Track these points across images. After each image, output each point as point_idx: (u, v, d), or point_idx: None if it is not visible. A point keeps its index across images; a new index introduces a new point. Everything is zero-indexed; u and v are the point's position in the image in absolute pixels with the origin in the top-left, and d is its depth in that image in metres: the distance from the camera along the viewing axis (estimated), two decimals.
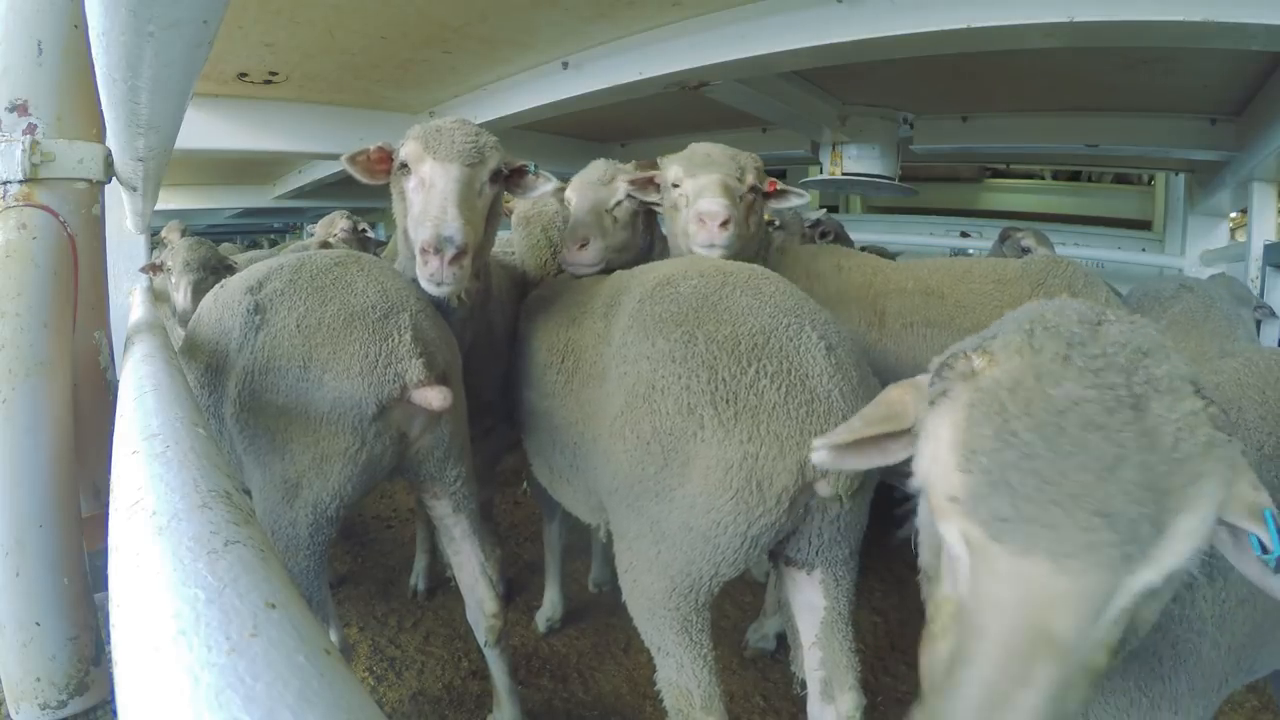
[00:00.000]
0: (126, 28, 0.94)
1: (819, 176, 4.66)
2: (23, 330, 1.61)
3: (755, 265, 1.73)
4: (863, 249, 4.31)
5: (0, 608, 1.58)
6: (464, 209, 1.74)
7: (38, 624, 1.60)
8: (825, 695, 1.50)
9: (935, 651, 0.80)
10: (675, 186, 2.17)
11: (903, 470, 0.88)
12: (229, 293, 1.82)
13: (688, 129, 5.11)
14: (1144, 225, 5.65)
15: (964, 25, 2.25)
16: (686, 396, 1.40)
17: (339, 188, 5.75)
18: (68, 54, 1.75)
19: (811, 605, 1.51)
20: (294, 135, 4.06)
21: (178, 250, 3.21)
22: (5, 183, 1.69)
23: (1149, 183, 5.77)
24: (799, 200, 2.30)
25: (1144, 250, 5.34)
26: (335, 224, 4.36)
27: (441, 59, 3.37)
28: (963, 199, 6.66)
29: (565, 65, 3.33)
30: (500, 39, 3.12)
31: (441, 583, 2.93)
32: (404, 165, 1.84)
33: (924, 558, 0.98)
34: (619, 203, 2.33)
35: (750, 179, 2.15)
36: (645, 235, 2.45)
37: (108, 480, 0.96)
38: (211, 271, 3.12)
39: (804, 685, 1.56)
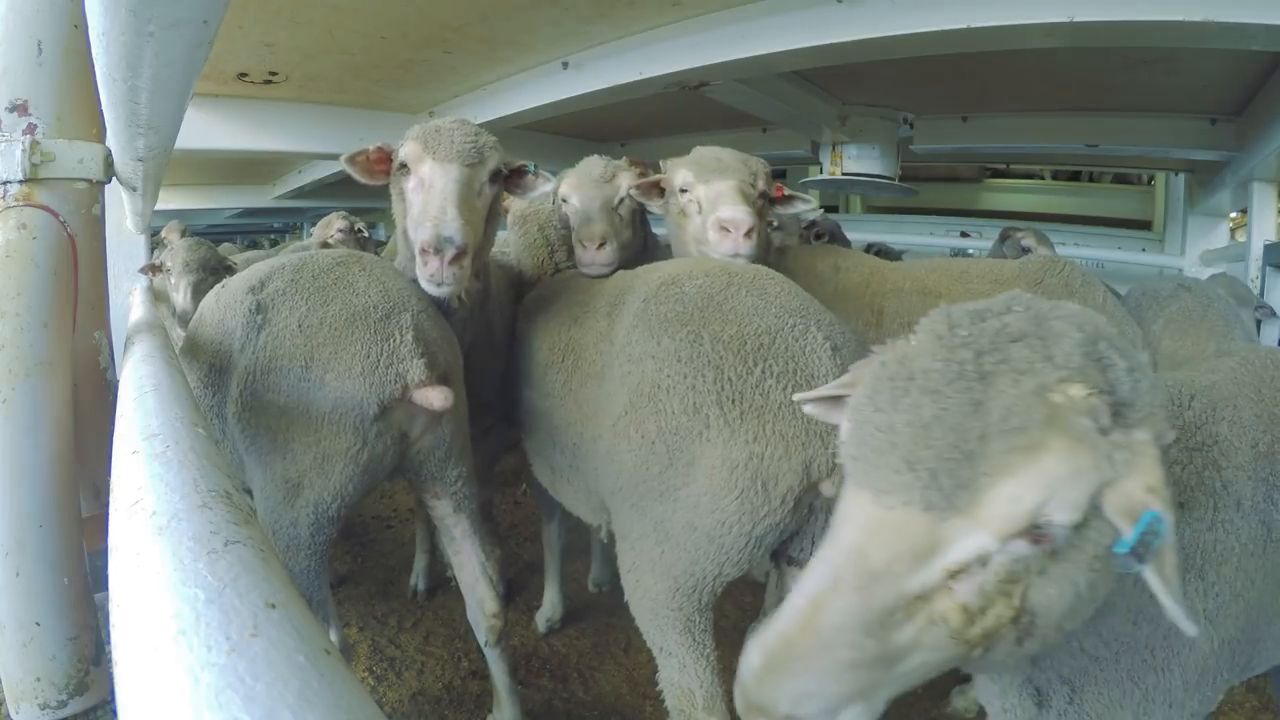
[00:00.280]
0: (126, 28, 0.93)
1: (819, 176, 4.66)
2: (23, 330, 1.61)
3: (760, 266, 1.72)
4: (869, 248, 4.34)
5: (0, 608, 1.58)
6: (463, 209, 1.73)
7: (38, 624, 1.60)
8: None
9: None
10: (684, 191, 2.11)
11: None
12: (230, 293, 1.82)
13: (688, 129, 5.11)
14: (1144, 225, 5.65)
15: (964, 25, 2.25)
16: (692, 396, 1.40)
17: (339, 188, 5.75)
18: (68, 54, 1.75)
19: None
20: (294, 135, 4.06)
21: (177, 251, 3.21)
22: (5, 183, 1.69)
23: (1149, 183, 5.77)
24: (805, 206, 2.27)
25: (1144, 250, 5.34)
26: (332, 225, 4.37)
27: (441, 59, 3.37)
28: (963, 199, 6.66)
29: (565, 65, 3.33)
30: (500, 39, 3.12)
31: (441, 583, 2.93)
32: (403, 166, 1.84)
33: None
34: (622, 200, 2.30)
35: (761, 184, 2.11)
36: (641, 233, 2.43)
37: (108, 480, 0.96)
38: (211, 272, 3.12)
39: None
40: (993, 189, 6.65)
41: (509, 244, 2.58)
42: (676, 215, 2.17)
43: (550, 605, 2.70)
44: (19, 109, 1.72)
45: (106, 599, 0.92)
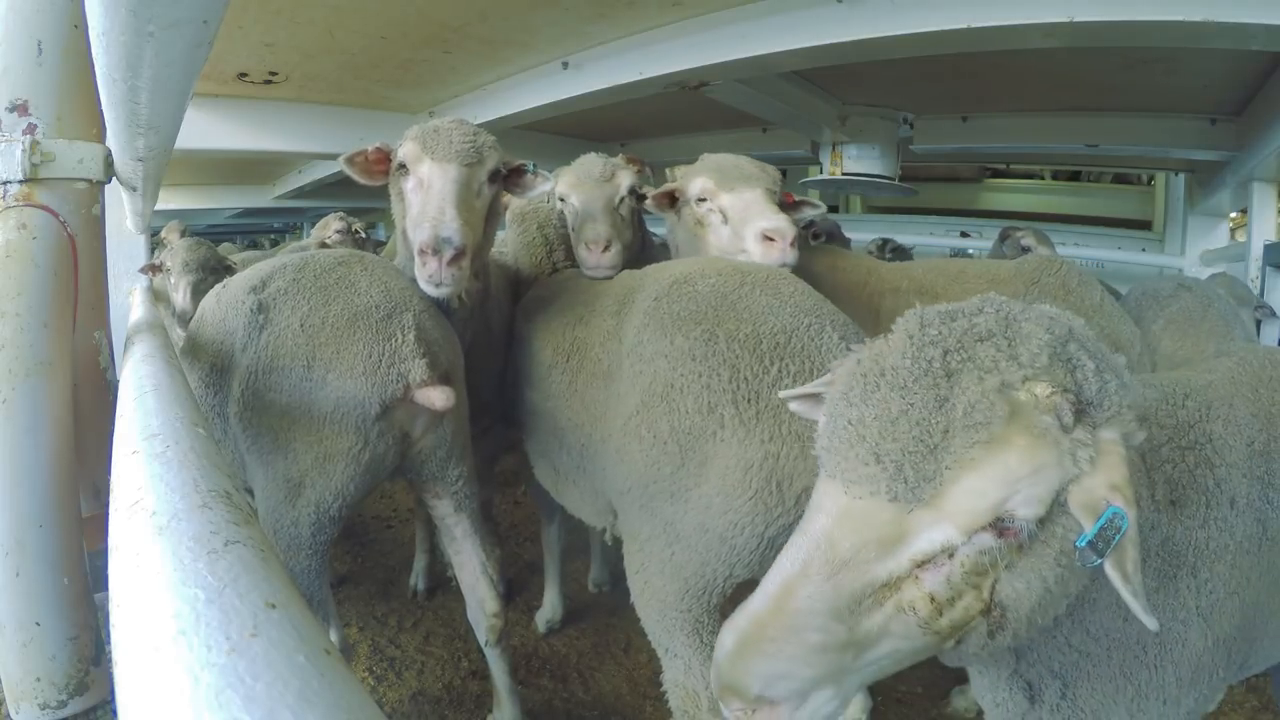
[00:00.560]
0: (126, 28, 0.93)
1: (819, 176, 4.66)
2: (23, 330, 1.61)
3: (770, 265, 1.72)
4: (884, 244, 4.35)
5: (0, 608, 1.58)
6: (462, 210, 1.73)
7: (38, 624, 1.60)
8: None
9: None
10: (701, 200, 2.07)
11: None
12: (231, 292, 1.82)
13: (688, 129, 5.12)
14: (1144, 225, 5.65)
15: (964, 25, 2.25)
16: (707, 395, 1.39)
17: (339, 188, 5.75)
18: (68, 54, 1.74)
19: None
20: (294, 135, 4.06)
21: (177, 251, 3.21)
22: (5, 183, 1.69)
23: (1149, 183, 5.77)
24: (814, 211, 2.28)
25: (1144, 250, 5.35)
26: (330, 226, 4.38)
27: (441, 59, 3.37)
28: (963, 199, 6.66)
29: (565, 65, 3.33)
30: (500, 39, 3.12)
31: (441, 583, 2.93)
32: (402, 166, 1.84)
33: None
34: (623, 199, 2.27)
35: (778, 191, 2.09)
36: (639, 233, 2.42)
37: (108, 480, 0.96)
38: (210, 272, 3.12)
39: None
40: (993, 189, 6.65)
41: (506, 242, 2.57)
42: (692, 225, 2.13)
43: (550, 607, 2.69)
44: (19, 109, 1.72)
45: (106, 599, 0.92)
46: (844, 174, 4.37)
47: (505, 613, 1.99)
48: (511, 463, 3.06)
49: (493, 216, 1.95)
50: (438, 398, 1.63)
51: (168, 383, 1.24)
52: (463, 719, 2.23)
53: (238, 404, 1.64)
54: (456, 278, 1.72)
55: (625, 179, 2.29)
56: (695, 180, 2.10)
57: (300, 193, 6.54)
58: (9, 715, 1.64)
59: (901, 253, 4.41)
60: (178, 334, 2.86)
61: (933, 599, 0.81)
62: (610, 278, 2.08)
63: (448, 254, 1.68)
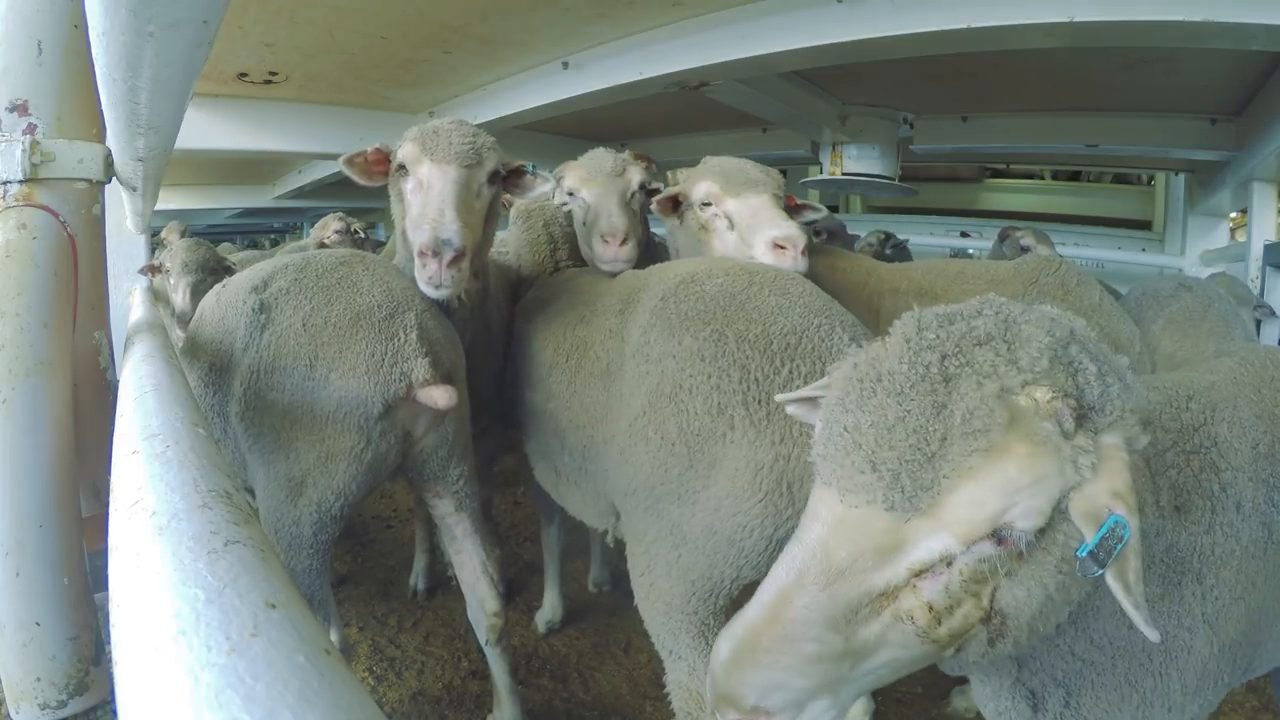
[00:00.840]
0: (126, 28, 0.93)
1: (819, 176, 4.66)
2: (23, 330, 1.61)
3: (779, 265, 1.71)
4: (886, 239, 4.34)
5: (0, 608, 1.58)
6: (461, 211, 1.73)
7: (38, 624, 1.60)
8: None
9: None
10: (706, 205, 2.06)
11: None
12: (232, 292, 1.82)
13: (688, 129, 5.12)
14: (1144, 225, 5.65)
15: (964, 25, 2.25)
16: (716, 396, 1.38)
17: (339, 188, 5.75)
18: (68, 54, 1.74)
19: None
20: (294, 135, 4.06)
21: (176, 251, 3.21)
22: (5, 183, 1.69)
23: (1149, 183, 5.77)
24: (815, 215, 2.28)
25: (1144, 250, 5.35)
26: (329, 226, 4.38)
27: (441, 59, 3.37)
28: (963, 199, 6.67)
29: (565, 65, 3.33)
30: (500, 39, 3.12)
31: (441, 583, 2.93)
32: (401, 167, 1.83)
33: None
34: (634, 194, 2.25)
35: (782, 196, 2.08)
36: (647, 230, 2.42)
37: (108, 480, 0.96)
38: (210, 273, 3.12)
39: None
40: (993, 189, 6.65)
41: (509, 241, 2.57)
42: (696, 230, 2.11)
43: (550, 607, 2.69)
44: (19, 109, 1.72)
45: (106, 599, 0.92)
46: (844, 174, 4.37)
47: (505, 612, 1.99)
48: (511, 463, 3.06)
49: (492, 217, 1.95)
50: (440, 397, 1.63)
51: (168, 383, 1.24)
52: (463, 719, 2.23)
53: (239, 403, 1.64)
54: (456, 279, 1.72)
55: (636, 174, 2.27)
56: (700, 184, 2.08)
57: (300, 193, 6.54)
58: (9, 715, 1.64)
59: (901, 250, 4.40)
60: (178, 334, 2.86)
61: (931, 608, 0.80)
62: (624, 272, 2.07)
63: (447, 255, 1.68)
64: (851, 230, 4.57)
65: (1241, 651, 1.13)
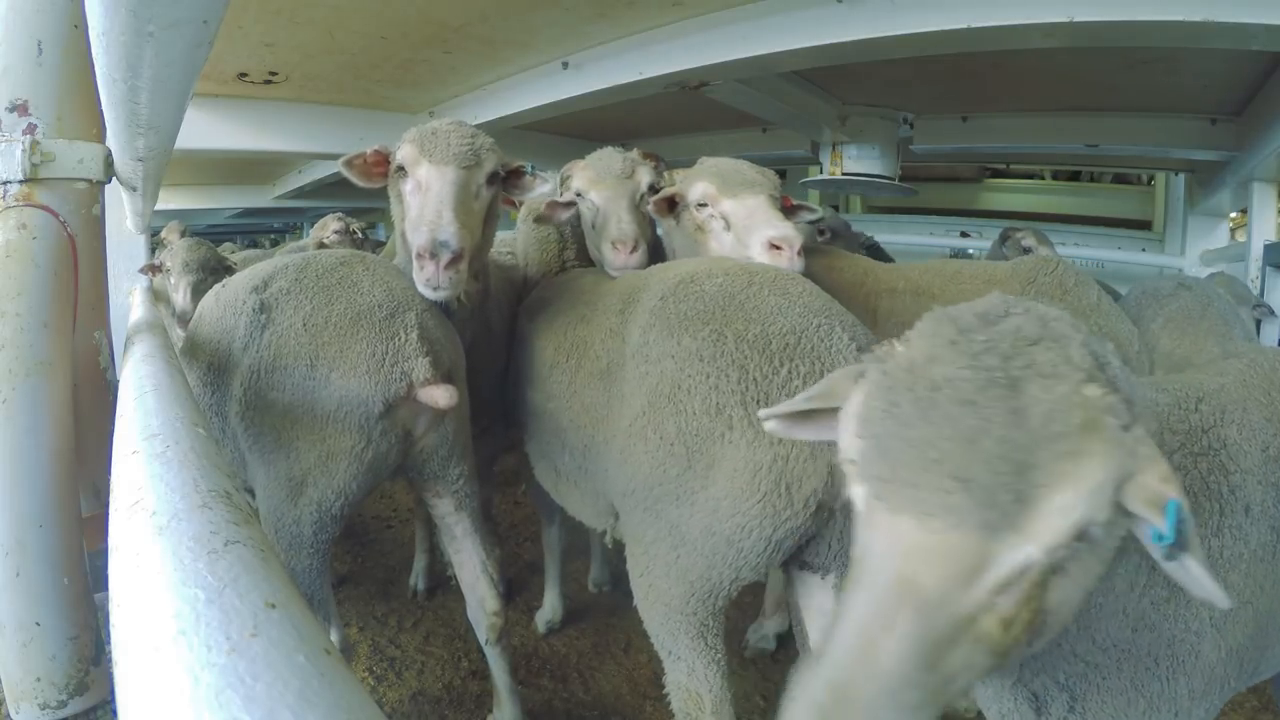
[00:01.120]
0: (126, 28, 0.93)
1: (819, 176, 4.66)
2: (23, 330, 1.61)
3: (775, 265, 1.71)
4: (870, 248, 4.33)
5: (0, 608, 1.58)
6: (460, 212, 1.73)
7: (38, 624, 1.60)
8: None
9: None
10: (702, 205, 2.06)
11: None
12: (232, 292, 1.82)
13: (688, 129, 5.12)
14: (1144, 225, 5.65)
15: (964, 25, 2.25)
16: (715, 396, 1.37)
17: (339, 188, 5.75)
18: (68, 54, 1.74)
19: (823, 610, 1.49)
20: (294, 135, 4.06)
21: (176, 251, 3.21)
22: (5, 183, 1.69)
23: (1149, 183, 5.77)
24: (811, 215, 2.26)
25: (1144, 250, 5.35)
26: (328, 226, 4.38)
27: (441, 59, 3.37)
28: (963, 199, 6.66)
29: (565, 65, 3.33)
30: (500, 39, 3.12)
31: (441, 583, 2.93)
32: (400, 168, 1.83)
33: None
34: (643, 196, 2.23)
35: (779, 197, 2.08)
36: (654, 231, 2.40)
37: (108, 480, 0.96)
38: (210, 272, 3.12)
39: None
40: (993, 189, 6.65)
41: (514, 241, 2.56)
42: (692, 231, 2.11)
43: (550, 608, 2.69)
44: (19, 109, 1.72)
45: (106, 599, 0.92)
46: (844, 174, 4.37)
47: (505, 612, 1.99)
48: (511, 463, 3.06)
49: (491, 218, 1.95)
50: (441, 396, 1.63)
51: (168, 383, 1.24)
52: (463, 719, 2.23)
53: (239, 403, 1.64)
54: (454, 281, 1.72)
55: (645, 175, 2.25)
56: (696, 185, 2.08)
57: (300, 193, 6.54)
58: (9, 715, 1.64)
59: (880, 256, 4.31)
60: (178, 334, 2.86)
61: (1004, 622, 0.76)
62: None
63: (445, 257, 1.67)
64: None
65: (1248, 656, 1.12)
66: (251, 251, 5.84)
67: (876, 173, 4.34)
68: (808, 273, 2.32)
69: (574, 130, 4.99)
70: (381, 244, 4.57)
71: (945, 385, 0.76)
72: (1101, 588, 0.93)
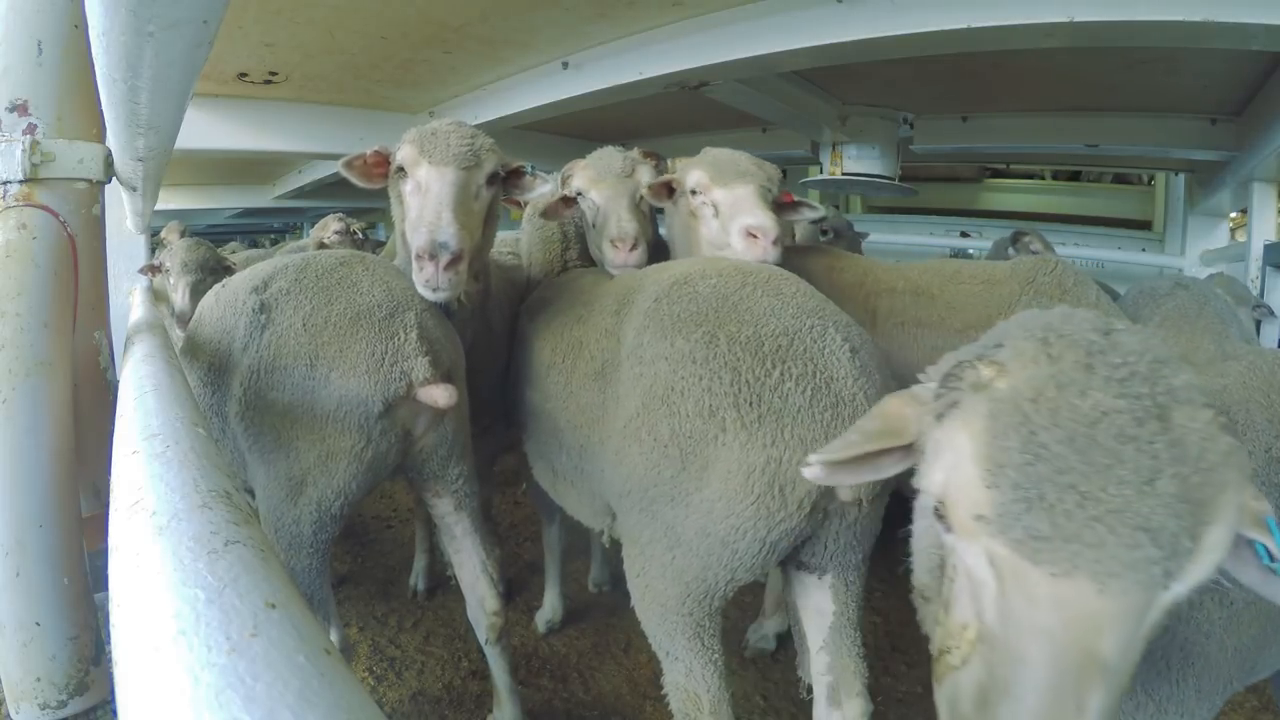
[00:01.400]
0: (126, 28, 0.93)
1: (819, 176, 4.66)
2: (23, 330, 1.61)
3: (772, 266, 1.71)
4: (826, 234, 4.25)
5: (0, 608, 1.58)
6: (459, 213, 1.73)
7: (38, 624, 1.60)
8: (832, 700, 1.49)
9: (960, 684, 0.75)
10: (695, 193, 2.08)
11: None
12: (232, 292, 1.82)
13: (688, 129, 5.12)
14: (1144, 225, 5.65)
15: (964, 25, 2.25)
16: (708, 399, 1.37)
17: (339, 188, 5.74)
18: (68, 54, 1.74)
19: (820, 610, 1.50)
20: (294, 135, 4.06)
21: (176, 251, 3.21)
22: (5, 183, 1.69)
23: (1149, 183, 5.77)
24: (812, 213, 2.27)
25: (1144, 250, 5.35)
26: (328, 227, 4.39)
27: (441, 59, 3.37)
28: (963, 199, 6.66)
29: (565, 65, 3.33)
30: (500, 39, 3.12)
31: (441, 583, 2.93)
32: (400, 169, 1.83)
33: (920, 577, 0.93)
34: (643, 196, 2.24)
35: (775, 190, 2.10)
36: (655, 229, 2.40)
37: (108, 480, 0.96)
38: (210, 272, 3.13)
39: (810, 690, 1.55)
40: (993, 189, 6.65)
41: (516, 241, 2.56)
42: (686, 217, 2.14)
43: (550, 608, 2.69)
44: (19, 109, 1.72)
45: (106, 599, 0.92)
46: (844, 174, 4.37)
47: (505, 612, 1.99)
48: (511, 463, 3.06)
49: (491, 219, 1.95)
50: (440, 395, 1.64)
51: (168, 383, 1.24)
52: (463, 719, 2.23)
53: (239, 403, 1.64)
54: (453, 282, 1.72)
55: (645, 174, 2.26)
56: (692, 172, 2.11)
57: (300, 193, 6.54)
58: (9, 715, 1.64)
59: (846, 237, 4.12)
60: (178, 334, 2.86)
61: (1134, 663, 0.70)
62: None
63: (444, 259, 1.68)
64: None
65: (1250, 655, 1.12)
66: (253, 251, 5.85)
67: (876, 173, 4.34)
68: (808, 272, 2.33)
69: (574, 130, 4.99)
70: (381, 244, 4.58)
71: (1101, 419, 0.66)
72: None
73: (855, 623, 1.49)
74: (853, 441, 0.84)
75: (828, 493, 1.33)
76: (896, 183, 4.45)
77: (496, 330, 2.21)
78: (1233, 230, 4.95)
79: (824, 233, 3.82)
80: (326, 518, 1.66)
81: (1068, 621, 0.64)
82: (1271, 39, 2.04)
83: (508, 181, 1.95)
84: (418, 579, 2.94)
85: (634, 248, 2.12)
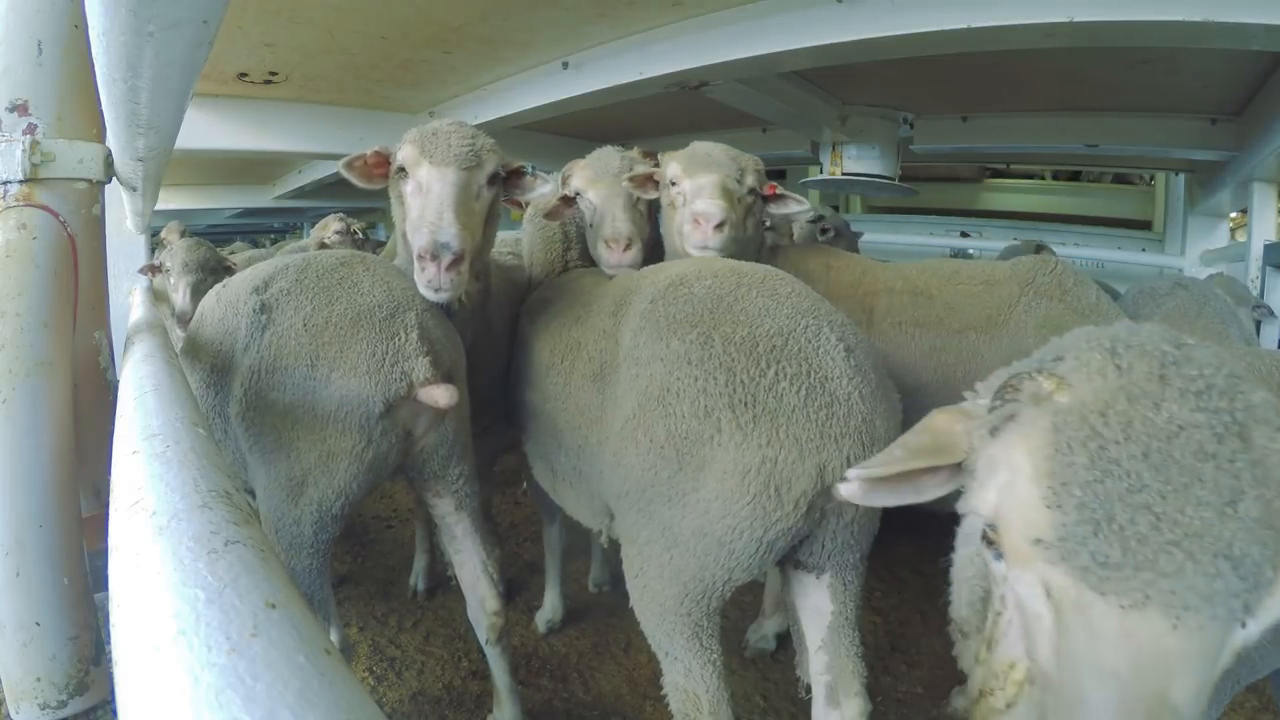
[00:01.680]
0: (126, 28, 0.93)
1: (819, 176, 4.66)
2: (23, 330, 1.61)
3: (768, 266, 1.71)
4: (824, 229, 4.25)
5: (0, 608, 1.58)
6: (460, 214, 1.73)
7: (38, 624, 1.60)
8: (830, 700, 1.49)
9: None
10: (673, 184, 2.13)
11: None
12: (232, 292, 1.82)
13: (688, 129, 5.11)
14: (1144, 225, 5.66)
15: (964, 25, 2.25)
16: (703, 399, 1.38)
17: (339, 188, 5.74)
18: (68, 54, 1.75)
19: (819, 609, 1.50)
20: (294, 135, 4.06)
21: (176, 251, 3.21)
22: (5, 183, 1.69)
23: (1149, 183, 5.77)
24: (799, 207, 2.26)
25: (1144, 250, 5.35)
26: (329, 227, 4.40)
27: (441, 59, 3.37)
28: (963, 199, 6.66)
29: (565, 65, 3.33)
30: (500, 39, 3.12)
31: (441, 583, 2.93)
32: (401, 169, 1.83)
33: (960, 610, 0.86)
34: (638, 196, 2.26)
35: (750, 181, 2.13)
36: (654, 228, 2.41)
37: (108, 480, 0.96)
38: (210, 272, 3.13)
39: (808, 689, 1.55)
40: (993, 189, 6.65)
41: (517, 241, 2.56)
42: (667, 208, 2.19)
43: (550, 608, 2.69)
44: (19, 109, 1.72)
45: (106, 599, 0.92)
46: (844, 174, 4.37)
47: (505, 612, 1.99)
48: (511, 463, 3.06)
49: (492, 219, 1.95)
50: (441, 396, 1.64)
51: (168, 383, 1.24)
52: (463, 719, 2.23)
53: (239, 404, 1.64)
54: (455, 282, 1.72)
55: (625, 179, 2.27)
56: (670, 164, 2.16)
57: (300, 193, 6.55)
58: (9, 715, 1.64)
59: (845, 236, 4.15)
60: (178, 334, 2.86)
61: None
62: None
63: (446, 259, 1.68)
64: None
65: (1253, 656, 1.12)
66: (255, 251, 5.85)
67: (876, 173, 4.34)
68: (806, 271, 2.34)
69: (574, 130, 4.99)
70: (382, 244, 4.58)
71: (1178, 434, 0.60)
72: None
73: (854, 622, 1.49)
74: (896, 457, 0.77)
75: (824, 492, 1.33)
76: (896, 183, 4.45)
77: (496, 330, 2.21)
78: (1233, 230, 4.95)
79: (824, 232, 3.82)
80: (327, 518, 1.66)
81: (1137, 661, 0.57)
82: (1271, 39, 2.04)
83: (508, 182, 1.95)
84: (418, 579, 2.94)
85: (628, 248, 2.14)
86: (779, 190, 2.22)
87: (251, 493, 1.74)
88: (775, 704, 2.29)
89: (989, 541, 0.70)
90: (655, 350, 1.50)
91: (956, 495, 0.80)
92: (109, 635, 0.71)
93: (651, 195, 2.25)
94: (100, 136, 1.84)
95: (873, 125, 4.29)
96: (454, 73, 3.61)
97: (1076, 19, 2.09)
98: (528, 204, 2.44)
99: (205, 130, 3.75)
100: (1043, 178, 6.56)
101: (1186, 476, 0.58)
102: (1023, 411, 0.67)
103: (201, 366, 1.80)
